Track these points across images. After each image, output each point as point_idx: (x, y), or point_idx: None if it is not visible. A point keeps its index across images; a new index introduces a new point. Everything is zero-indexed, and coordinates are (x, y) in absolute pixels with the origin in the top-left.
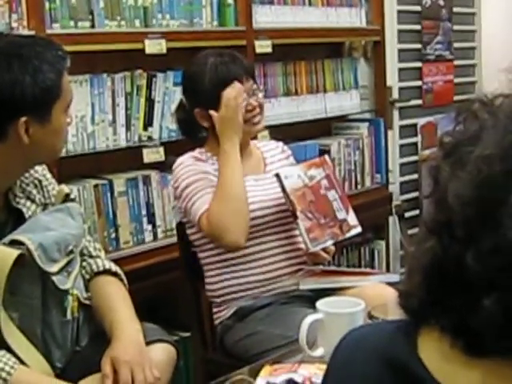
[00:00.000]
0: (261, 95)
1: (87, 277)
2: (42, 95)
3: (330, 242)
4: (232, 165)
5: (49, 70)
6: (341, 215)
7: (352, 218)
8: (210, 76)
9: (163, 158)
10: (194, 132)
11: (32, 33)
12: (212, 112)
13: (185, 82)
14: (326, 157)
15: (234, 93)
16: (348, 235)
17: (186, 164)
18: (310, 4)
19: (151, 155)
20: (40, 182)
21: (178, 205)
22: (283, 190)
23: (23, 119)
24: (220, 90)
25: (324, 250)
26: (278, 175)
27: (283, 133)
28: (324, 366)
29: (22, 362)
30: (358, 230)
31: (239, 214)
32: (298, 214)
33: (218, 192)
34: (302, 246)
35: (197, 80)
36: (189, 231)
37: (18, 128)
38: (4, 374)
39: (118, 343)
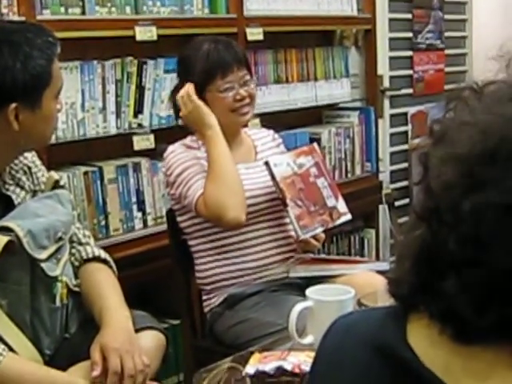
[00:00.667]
0: (253, 86)
1: (76, 264)
2: (32, 82)
3: (319, 230)
4: (218, 146)
5: (39, 57)
6: (330, 202)
7: (342, 206)
8: (200, 62)
9: (153, 146)
10: None
11: (22, 19)
12: (181, 114)
13: (178, 66)
14: (315, 145)
15: (184, 92)
16: (338, 222)
17: (178, 151)
18: None
19: (141, 142)
20: (29, 168)
21: (172, 191)
22: (273, 177)
23: (13, 105)
24: (209, 76)
25: (314, 237)
26: (267, 163)
27: (274, 121)
28: (313, 354)
29: (10, 349)
30: (348, 217)
31: (234, 191)
32: (288, 201)
33: (209, 174)
34: (293, 233)
35: (189, 64)
36: (179, 218)
37: (7, 114)
38: None
39: (107, 330)
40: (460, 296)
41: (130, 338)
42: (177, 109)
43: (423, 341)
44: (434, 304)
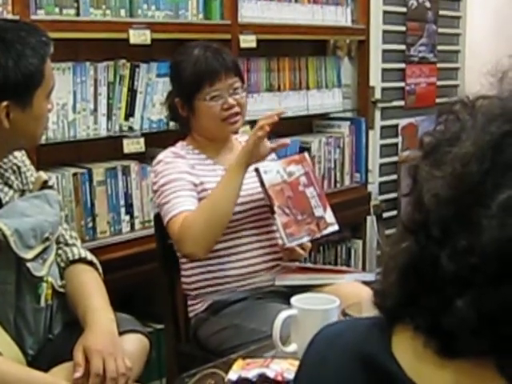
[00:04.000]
0: (243, 94)
1: (62, 265)
2: (24, 80)
3: (306, 239)
4: (232, 183)
5: (32, 56)
6: (318, 212)
7: (329, 216)
8: (189, 69)
9: (143, 149)
10: (183, 120)
11: (16, 18)
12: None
13: (170, 71)
14: (306, 154)
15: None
16: (325, 232)
17: (166, 161)
18: (296, 1)
19: (131, 146)
20: (19, 168)
21: (154, 199)
22: (262, 184)
23: (4, 103)
24: (197, 84)
25: (300, 246)
26: (257, 170)
27: None
28: (296, 362)
29: None
30: (335, 227)
31: (212, 232)
32: (276, 208)
33: (205, 201)
34: (279, 241)
35: (179, 70)
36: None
37: None
38: None
39: (90, 332)
40: (454, 313)
41: (113, 340)
42: (171, 112)
43: (408, 353)
44: (420, 317)
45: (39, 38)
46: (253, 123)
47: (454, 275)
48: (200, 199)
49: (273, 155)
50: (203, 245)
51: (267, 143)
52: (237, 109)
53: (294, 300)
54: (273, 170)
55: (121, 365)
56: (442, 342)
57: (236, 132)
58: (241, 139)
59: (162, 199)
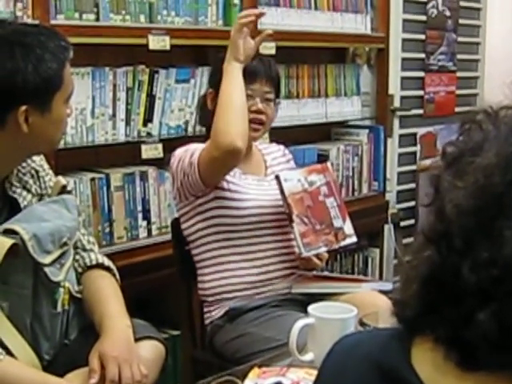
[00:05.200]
0: (273, 108)
1: (79, 270)
2: (43, 84)
3: (323, 249)
4: (230, 81)
5: (51, 60)
6: (337, 223)
7: (348, 227)
8: None
9: (161, 155)
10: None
11: (36, 22)
12: None
13: (216, 63)
14: (329, 164)
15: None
16: (342, 244)
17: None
18: (315, 8)
19: (149, 151)
20: (37, 172)
21: (175, 183)
22: (282, 192)
23: (23, 108)
24: None
25: (317, 256)
26: (277, 177)
27: (282, 136)
28: (313, 371)
29: (9, 353)
30: (354, 239)
31: (234, 120)
32: (294, 217)
33: (218, 107)
34: (297, 250)
35: (221, 63)
36: (183, 225)
37: (17, 116)
38: None
39: (106, 338)
40: (475, 326)
41: (129, 346)
42: (203, 113)
43: (427, 365)
44: (440, 329)
45: (58, 43)
46: (271, 131)
47: (475, 287)
48: (218, 198)
49: (292, 163)
50: (234, 131)
51: (251, 40)
52: (263, 117)
53: (311, 309)
54: (293, 178)
55: (136, 372)
56: (463, 354)
57: (254, 139)
58: (260, 147)
59: (185, 160)
